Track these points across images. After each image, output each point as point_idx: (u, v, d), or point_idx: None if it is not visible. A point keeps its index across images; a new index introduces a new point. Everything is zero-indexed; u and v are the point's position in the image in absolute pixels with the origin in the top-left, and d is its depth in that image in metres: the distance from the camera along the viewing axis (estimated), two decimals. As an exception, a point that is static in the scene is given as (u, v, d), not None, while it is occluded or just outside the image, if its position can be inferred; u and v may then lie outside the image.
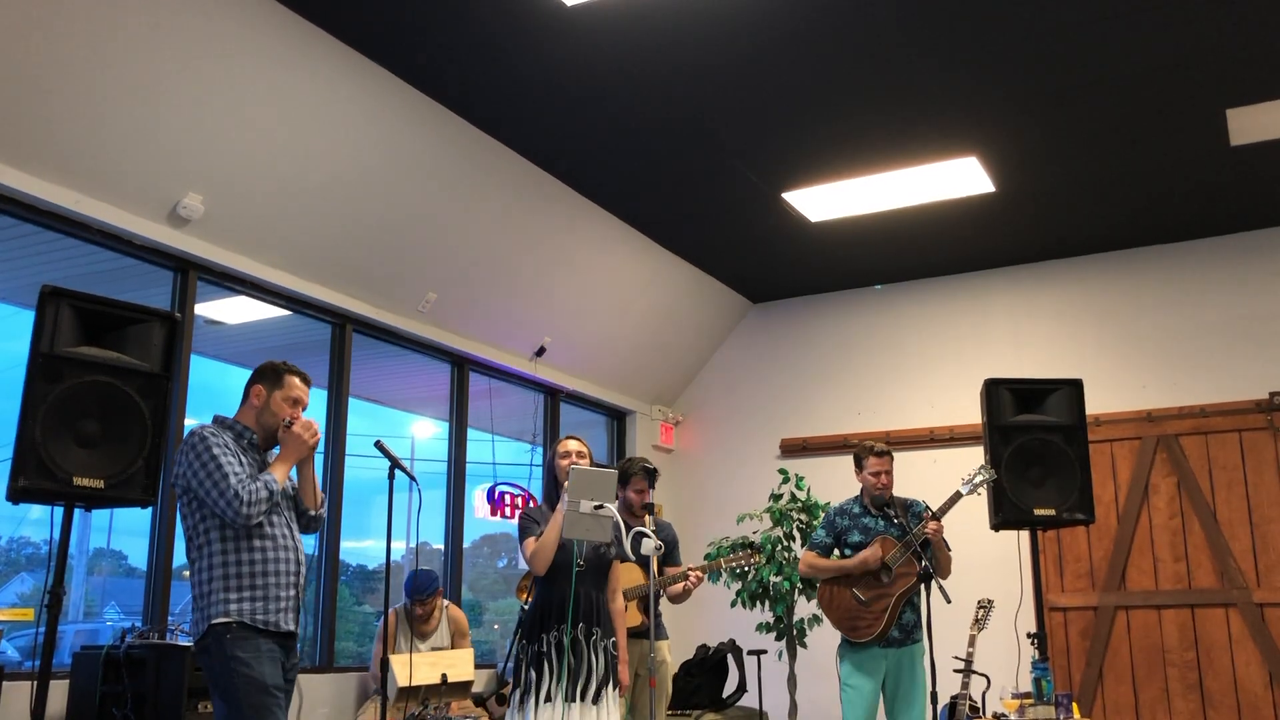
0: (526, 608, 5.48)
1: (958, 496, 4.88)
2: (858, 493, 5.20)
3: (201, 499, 3.36)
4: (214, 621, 3.31)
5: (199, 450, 3.37)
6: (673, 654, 5.45)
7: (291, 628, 3.46)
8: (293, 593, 3.46)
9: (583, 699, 3.97)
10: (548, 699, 3.93)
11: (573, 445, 4.24)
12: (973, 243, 7.39)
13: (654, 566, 4.27)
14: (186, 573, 5.28)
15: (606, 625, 4.12)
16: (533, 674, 3.98)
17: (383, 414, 7.26)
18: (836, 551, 5.17)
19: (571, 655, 3.97)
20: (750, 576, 6.77)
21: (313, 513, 3.65)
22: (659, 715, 4.96)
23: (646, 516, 5.12)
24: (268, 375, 3.60)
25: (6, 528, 4.84)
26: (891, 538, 4.96)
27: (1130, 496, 7.09)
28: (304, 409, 3.61)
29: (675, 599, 5.10)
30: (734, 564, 5.45)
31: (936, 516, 4.90)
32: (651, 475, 5.05)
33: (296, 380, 3.61)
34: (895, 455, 5.22)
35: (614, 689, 4.07)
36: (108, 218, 4.74)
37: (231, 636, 3.29)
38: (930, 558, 4.81)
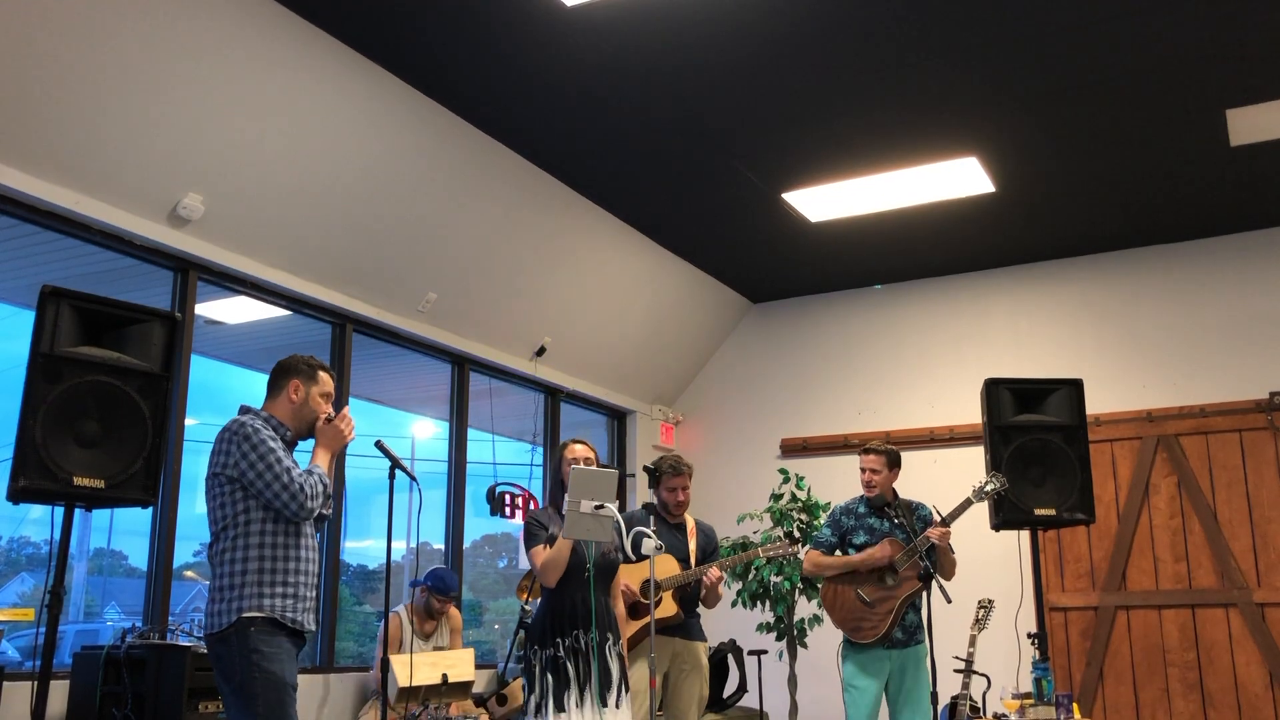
0: (529, 608, 5.46)
1: (968, 504, 4.84)
2: (862, 492, 5.20)
3: (259, 490, 3.32)
4: (244, 614, 3.25)
5: (254, 441, 3.33)
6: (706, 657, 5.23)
7: (312, 628, 3.46)
8: (314, 594, 3.47)
9: (604, 704, 3.95)
10: (577, 704, 3.91)
11: (580, 450, 4.21)
12: (973, 243, 7.39)
13: (653, 567, 4.25)
14: (188, 572, 5.30)
15: (616, 630, 4.13)
16: (549, 679, 3.94)
17: (383, 414, 7.27)
18: (839, 551, 5.17)
19: (586, 661, 3.96)
20: (751, 577, 6.76)
21: (326, 511, 3.63)
22: (690, 717, 4.85)
23: (689, 518, 5.01)
24: (303, 371, 3.57)
25: (7, 528, 4.84)
26: (898, 540, 4.96)
27: (1130, 496, 7.08)
28: (331, 403, 3.63)
29: (706, 602, 4.89)
30: (770, 553, 5.28)
31: (945, 522, 4.88)
32: (651, 474, 5.00)
33: (327, 376, 3.62)
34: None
35: (625, 692, 4.06)
36: (108, 218, 4.73)
37: (256, 630, 3.25)
38: (934, 561, 4.80)
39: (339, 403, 5.98)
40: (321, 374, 3.60)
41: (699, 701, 4.91)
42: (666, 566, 4.79)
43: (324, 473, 3.44)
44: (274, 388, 3.57)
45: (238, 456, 3.34)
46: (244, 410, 3.51)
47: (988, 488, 4.76)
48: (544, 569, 4.01)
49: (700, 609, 4.97)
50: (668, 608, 4.73)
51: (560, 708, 3.90)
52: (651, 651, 4.24)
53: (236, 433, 3.37)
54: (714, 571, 4.77)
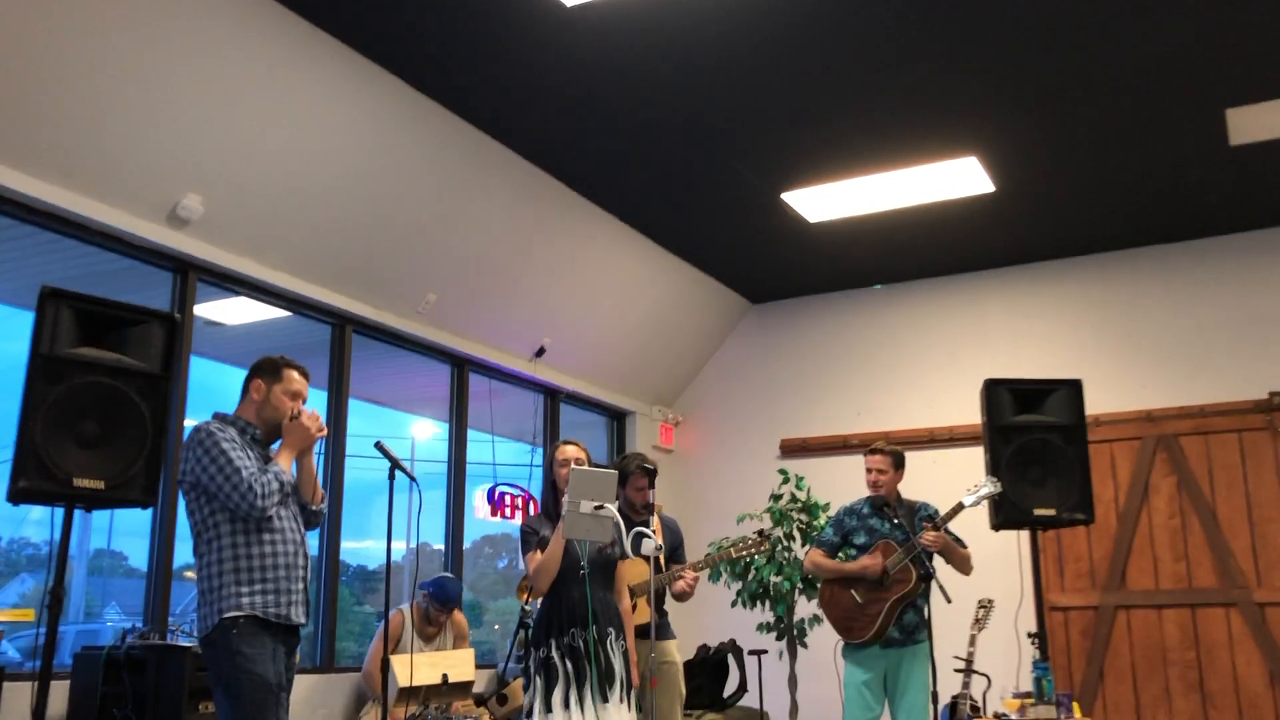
0: (529, 609, 5.46)
1: (960, 508, 4.86)
2: (867, 493, 5.21)
3: (213, 493, 3.37)
4: (225, 615, 3.30)
5: (207, 445, 3.38)
6: (679, 654, 5.33)
7: (302, 620, 3.47)
8: (301, 585, 3.48)
9: (605, 700, 3.95)
10: (565, 705, 3.89)
11: (571, 451, 4.21)
12: (972, 243, 7.39)
13: (653, 567, 4.25)
14: (188, 573, 5.30)
15: (618, 625, 4.11)
16: (540, 679, 3.95)
17: (383, 415, 7.26)
18: (841, 552, 5.18)
19: (586, 658, 3.95)
20: (751, 577, 6.76)
21: (314, 507, 3.66)
22: (675, 716, 4.89)
23: (653, 515, 5.06)
24: (266, 369, 3.60)
25: (7, 529, 4.84)
26: (894, 542, 4.97)
27: (1130, 496, 7.08)
28: (303, 402, 3.62)
29: (678, 597, 4.98)
30: (743, 552, 5.31)
31: (935, 527, 4.90)
32: (650, 474, 5.02)
33: (295, 374, 3.62)
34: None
35: (627, 689, 4.04)
36: (107, 218, 4.73)
37: (238, 632, 3.30)
38: (930, 564, 4.80)
39: (339, 405, 6.01)
40: (288, 371, 3.61)
41: (679, 698, 4.99)
42: (635, 569, 4.79)
43: (281, 470, 3.44)
44: (243, 389, 3.63)
45: (193, 462, 3.39)
46: (214, 416, 3.56)
47: (982, 491, 4.75)
48: (536, 574, 4.02)
49: (668, 605, 5.01)
50: (642, 613, 4.73)
51: (548, 708, 3.90)
52: (652, 652, 4.25)
53: (193, 438, 3.43)
54: (689, 574, 4.85)
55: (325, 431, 3.62)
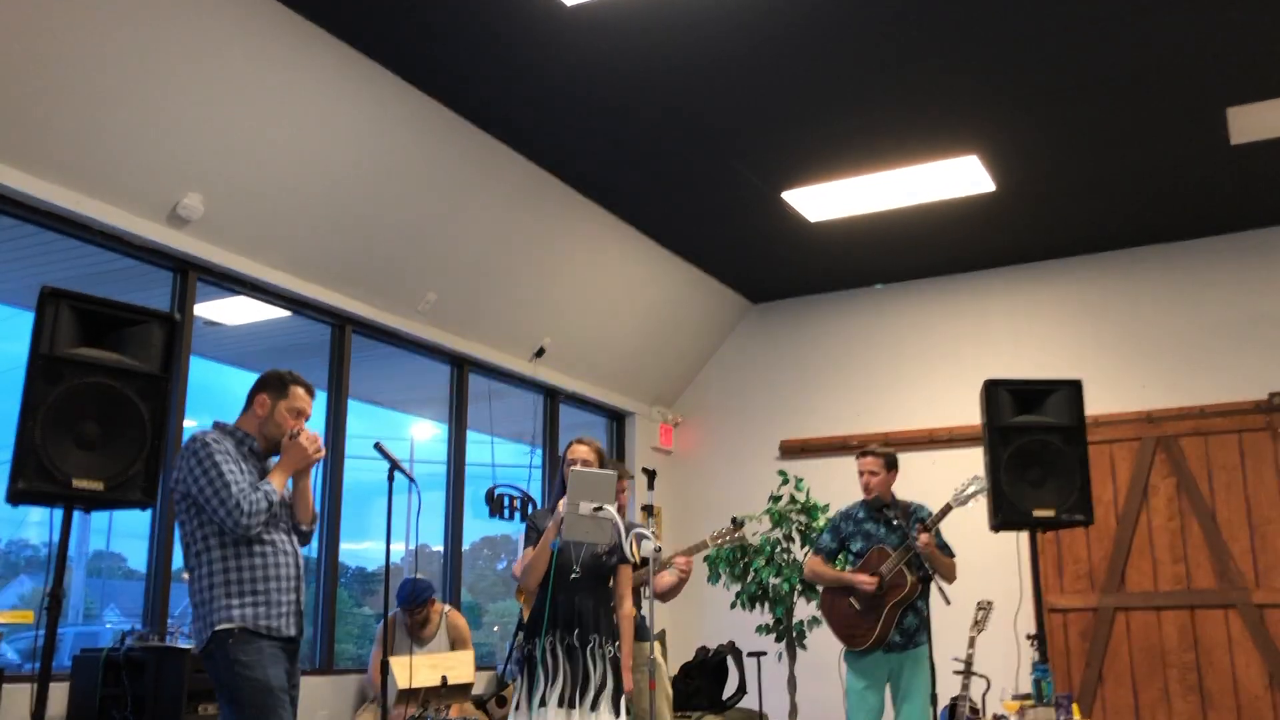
0: (525, 607, 5.47)
1: (948, 509, 4.88)
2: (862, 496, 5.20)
3: (201, 506, 3.37)
4: (217, 628, 3.31)
5: (201, 457, 3.37)
6: (667, 654, 5.36)
7: (293, 633, 3.46)
8: (293, 598, 3.46)
9: (578, 705, 3.94)
10: (542, 703, 3.92)
11: (581, 451, 4.23)
12: (973, 242, 7.39)
13: (652, 568, 4.24)
14: (186, 575, 5.30)
15: (607, 631, 4.09)
16: (522, 679, 4.00)
17: (382, 415, 7.26)
18: (841, 556, 5.18)
19: (567, 661, 3.95)
20: (750, 579, 6.76)
21: (304, 528, 3.64)
22: (665, 715, 4.90)
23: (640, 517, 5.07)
24: (273, 384, 3.59)
25: (6, 530, 4.83)
26: (888, 547, 4.96)
27: (1129, 497, 7.08)
28: (307, 420, 3.61)
29: (663, 595, 4.97)
30: (719, 541, 5.31)
31: (928, 528, 4.90)
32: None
33: (301, 391, 3.61)
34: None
35: (614, 695, 4.03)
36: (107, 218, 4.73)
37: (234, 641, 3.30)
38: (926, 566, 4.79)
39: (339, 406, 6.00)
40: (294, 388, 3.59)
41: (667, 698, 4.99)
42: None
43: (272, 490, 3.42)
44: (247, 400, 3.62)
45: (185, 472, 3.39)
46: (214, 425, 3.55)
47: (968, 491, 4.78)
48: (522, 573, 4.06)
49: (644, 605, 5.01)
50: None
51: (527, 707, 3.92)
52: (652, 654, 4.24)
53: (188, 448, 3.43)
54: (681, 560, 4.84)
55: (323, 454, 3.60)
